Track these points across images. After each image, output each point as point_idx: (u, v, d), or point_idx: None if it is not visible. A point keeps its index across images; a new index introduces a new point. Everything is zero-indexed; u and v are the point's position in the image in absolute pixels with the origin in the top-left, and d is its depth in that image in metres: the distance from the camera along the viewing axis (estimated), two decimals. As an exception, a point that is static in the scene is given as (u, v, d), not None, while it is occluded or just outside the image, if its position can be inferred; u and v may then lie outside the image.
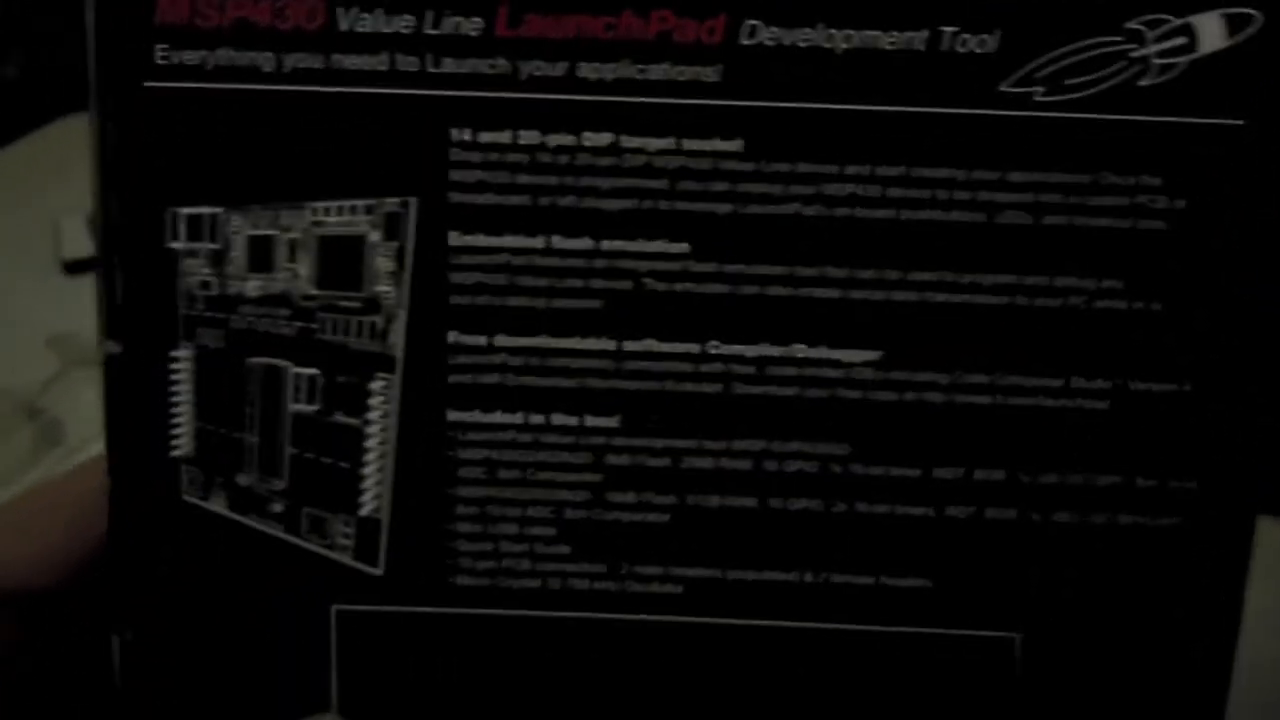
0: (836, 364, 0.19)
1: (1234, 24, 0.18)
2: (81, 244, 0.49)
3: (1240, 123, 0.18)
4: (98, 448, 0.20)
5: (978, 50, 0.18)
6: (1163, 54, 0.18)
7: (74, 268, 0.50)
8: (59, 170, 0.60)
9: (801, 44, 0.18)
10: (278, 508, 0.20)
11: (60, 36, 0.69)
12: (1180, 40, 0.18)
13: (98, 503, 0.20)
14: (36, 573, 0.20)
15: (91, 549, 0.20)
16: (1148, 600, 0.20)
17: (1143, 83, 0.18)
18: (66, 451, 0.39)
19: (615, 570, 0.20)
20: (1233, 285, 0.19)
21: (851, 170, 0.18)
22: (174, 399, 0.19)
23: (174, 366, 0.19)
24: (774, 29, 0.18)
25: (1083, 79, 0.18)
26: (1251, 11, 0.18)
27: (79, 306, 0.48)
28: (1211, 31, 0.18)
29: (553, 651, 0.20)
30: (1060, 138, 0.18)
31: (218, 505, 0.20)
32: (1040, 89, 0.18)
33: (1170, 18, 0.18)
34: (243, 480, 0.20)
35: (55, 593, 0.20)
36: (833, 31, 0.18)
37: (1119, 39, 0.18)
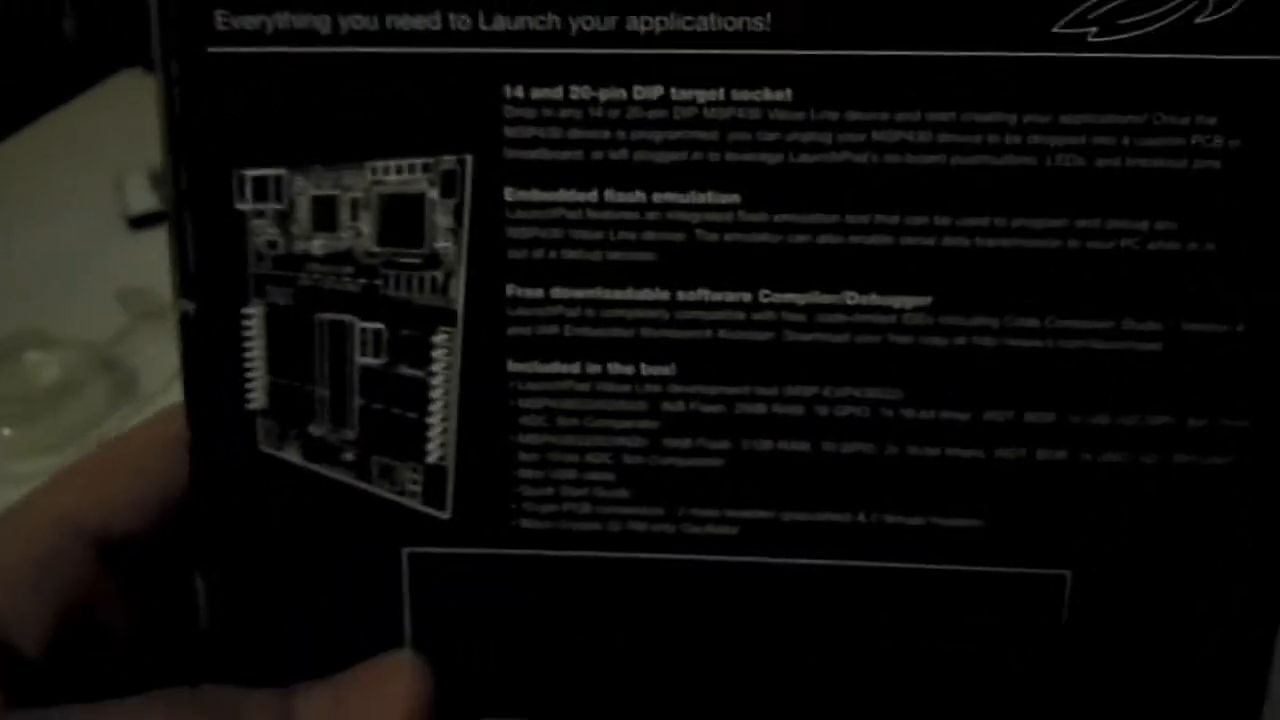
0: (887, 310, 0.19)
1: (1294, -43, 0.18)
2: (145, 198, 0.51)
3: (1300, 58, 0.18)
4: (169, 398, 0.21)
5: (1030, -8, 0.18)
6: (1220, -10, 0.18)
7: (139, 222, 0.51)
8: (119, 125, 0.62)
9: (851, -9, 0.18)
10: (349, 456, 0.21)
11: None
12: (1238, -25, 0.18)
13: (175, 451, 0.21)
14: (116, 517, 0.21)
15: (170, 495, 0.21)
16: (1198, 539, 0.20)
17: (1199, 20, 0.18)
18: (139, 402, 0.40)
19: (672, 513, 0.20)
20: (1289, 224, 0.19)
21: (901, 117, 0.19)
22: (247, 354, 0.20)
23: (245, 323, 0.20)
24: (823, -23, 0.18)
25: (1137, 18, 0.18)
26: (1313, -57, 0.18)
27: (145, 260, 0.49)
28: (1271, -36, 0.18)
29: (612, 591, 0.21)
30: (1114, 78, 0.18)
31: (292, 455, 0.21)
32: (1094, 29, 0.18)
33: (1228, -49, 0.18)
34: (315, 431, 0.21)
35: (135, 537, 0.21)
36: (882, -23, 0.18)
37: (1175, -25, 0.18)
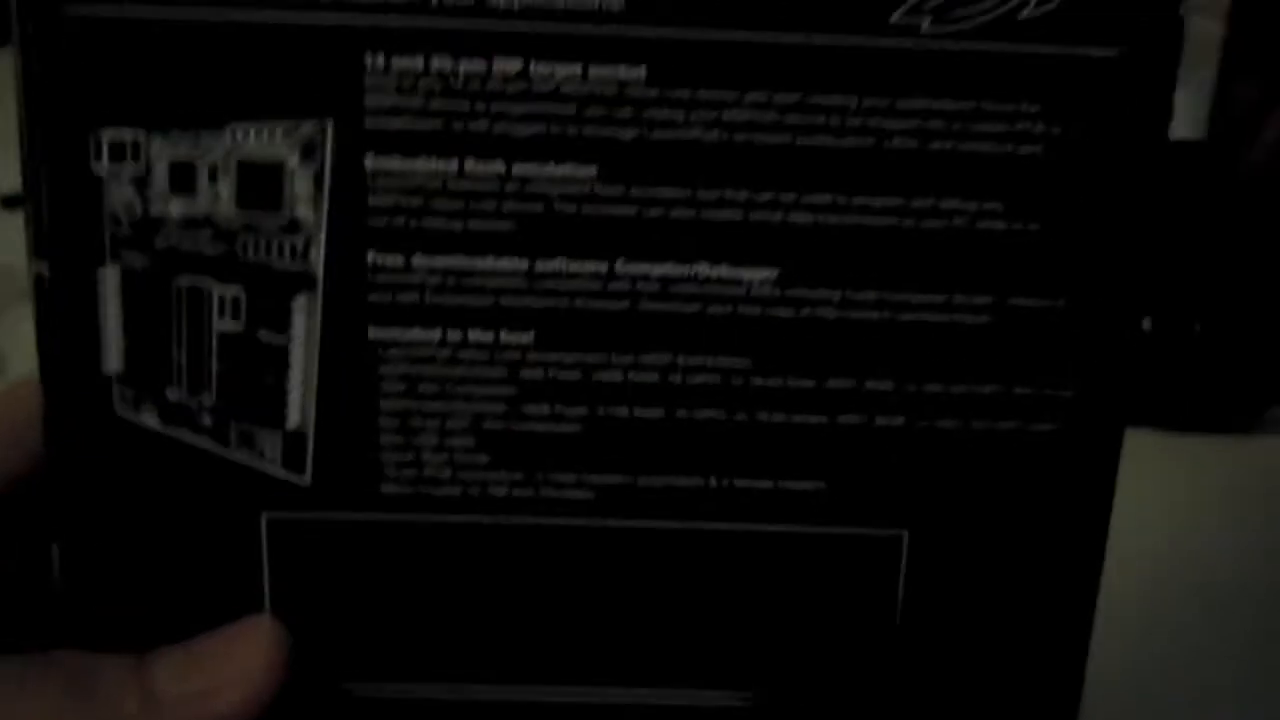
0: (737, 282, 0.20)
1: (1109, -42, 0.19)
2: (17, 175, 0.49)
3: (1114, 53, 0.20)
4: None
5: (869, -18, 0.19)
6: (1041, -13, 0.19)
7: (10, 202, 0.50)
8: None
9: (702, -26, 0.19)
10: (207, 421, 0.21)
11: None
12: (1058, -26, 0.19)
13: (32, 419, 0.21)
14: None
15: (27, 463, 0.21)
16: (1026, 500, 0.21)
17: (1024, 14, 0.19)
18: (8, 382, 0.39)
19: (531, 478, 0.21)
20: (1105, 208, 0.20)
21: (750, 97, 0.20)
22: (102, 317, 0.20)
23: (101, 285, 0.20)
24: (676, -41, 0.19)
25: (967, 11, 0.19)
26: (1125, -53, 0.19)
27: (18, 239, 0.48)
28: (1087, -35, 0.19)
29: (472, 554, 0.21)
30: (945, 67, 0.19)
31: (149, 420, 0.21)
32: (928, 20, 0.19)
33: (1049, -48, 0.19)
34: (172, 395, 0.21)
35: None
36: (731, -37, 0.19)
37: (1001, -28, 0.19)
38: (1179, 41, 0.20)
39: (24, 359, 0.43)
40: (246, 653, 0.20)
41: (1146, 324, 0.44)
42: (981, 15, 0.19)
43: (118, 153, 0.20)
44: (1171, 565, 0.37)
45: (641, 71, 0.19)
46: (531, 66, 0.19)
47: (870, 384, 0.21)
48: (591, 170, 0.20)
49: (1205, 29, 0.60)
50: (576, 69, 0.19)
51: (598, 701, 0.22)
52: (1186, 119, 0.62)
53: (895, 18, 0.19)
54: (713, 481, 0.21)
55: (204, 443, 0.21)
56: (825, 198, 0.20)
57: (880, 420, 0.21)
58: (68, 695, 0.19)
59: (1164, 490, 0.39)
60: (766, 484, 0.21)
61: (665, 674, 0.22)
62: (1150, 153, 0.20)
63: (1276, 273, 0.44)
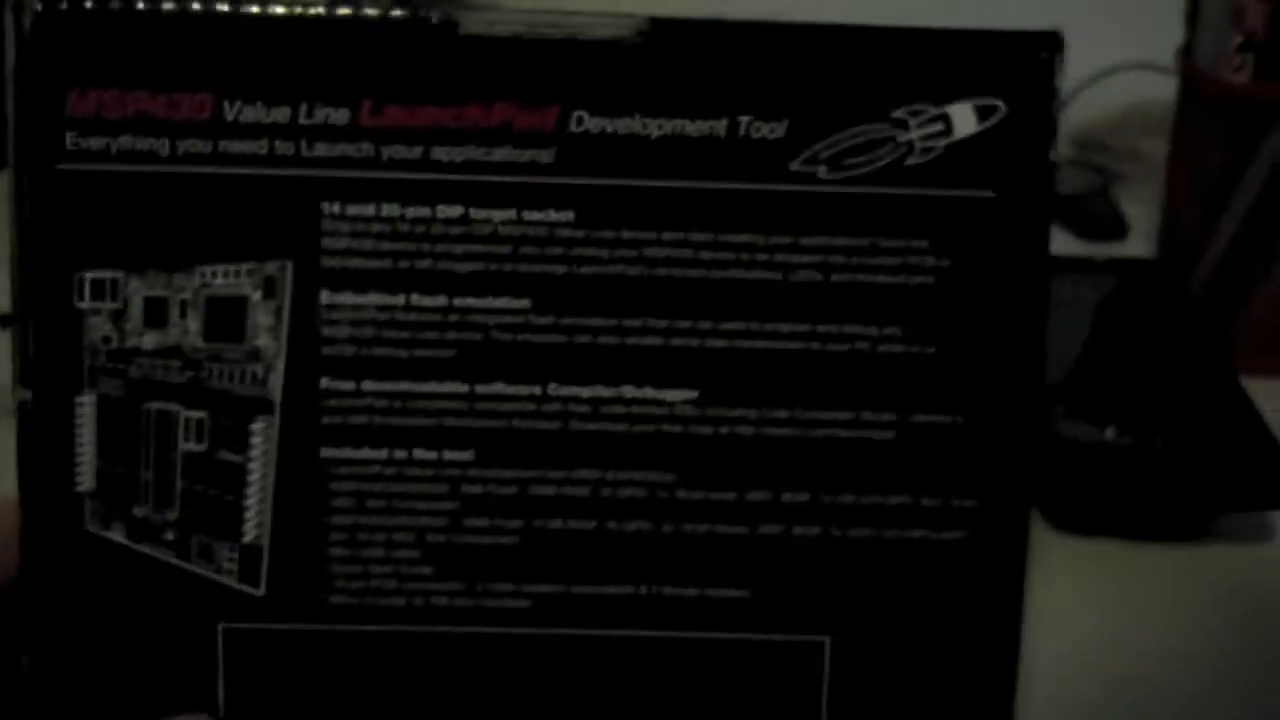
0: (660, 402, 0.22)
1: (983, 113, 0.22)
2: (5, 300, 0.52)
3: (990, 194, 0.22)
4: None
5: (769, 136, 0.22)
6: (924, 138, 0.22)
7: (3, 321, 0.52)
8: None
9: (622, 130, 0.22)
10: (170, 536, 0.23)
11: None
12: (938, 127, 0.22)
13: (8, 537, 0.23)
14: None
15: (4, 579, 0.23)
16: (940, 603, 0.23)
17: (909, 162, 0.22)
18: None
19: (471, 588, 0.23)
20: (994, 330, 0.22)
21: (667, 236, 0.22)
22: (78, 440, 0.22)
23: (79, 411, 0.22)
24: (598, 118, 0.22)
25: (858, 159, 0.22)
26: (996, 102, 0.22)
27: (4, 360, 0.50)
28: (964, 119, 0.22)
29: (417, 662, 0.23)
30: (842, 208, 0.22)
31: (117, 535, 0.23)
32: (824, 167, 0.22)
33: (929, 107, 0.22)
34: (139, 512, 0.23)
35: None
36: (647, 120, 0.22)
37: (887, 125, 0.22)
38: (1051, 182, 0.22)
39: (6, 472, 0.45)
40: None
41: (1110, 434, 0.45)
42: (872, 162, 0.22)
43: (98, 291, 0.22)
44: (1116, 662, 0.38)
45: (570, 215, 0.22)
46: (470, 211, 0.22)
47: (787, 496, 0.23)
48: (525, 302, 0.22)
49: (1160, 150, 0.63)
50: (511, 213, 0.22)
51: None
52: (1142, 234, 0.65)
53: (795, 165, 0.22)
54: (642, 589, 0.23)
55: (167, 556, 0.23)
56: (739, 325, 0.22)
57: (798, 530, 0.23)
58: None
59: (1115, 595, 0.41)
60: (693, 592, 0.23)
61: None
62: (1030, 279, 0.22)
63: (1222, 387, 0.46)
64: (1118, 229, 0.68)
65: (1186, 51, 0.53)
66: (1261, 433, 0.43)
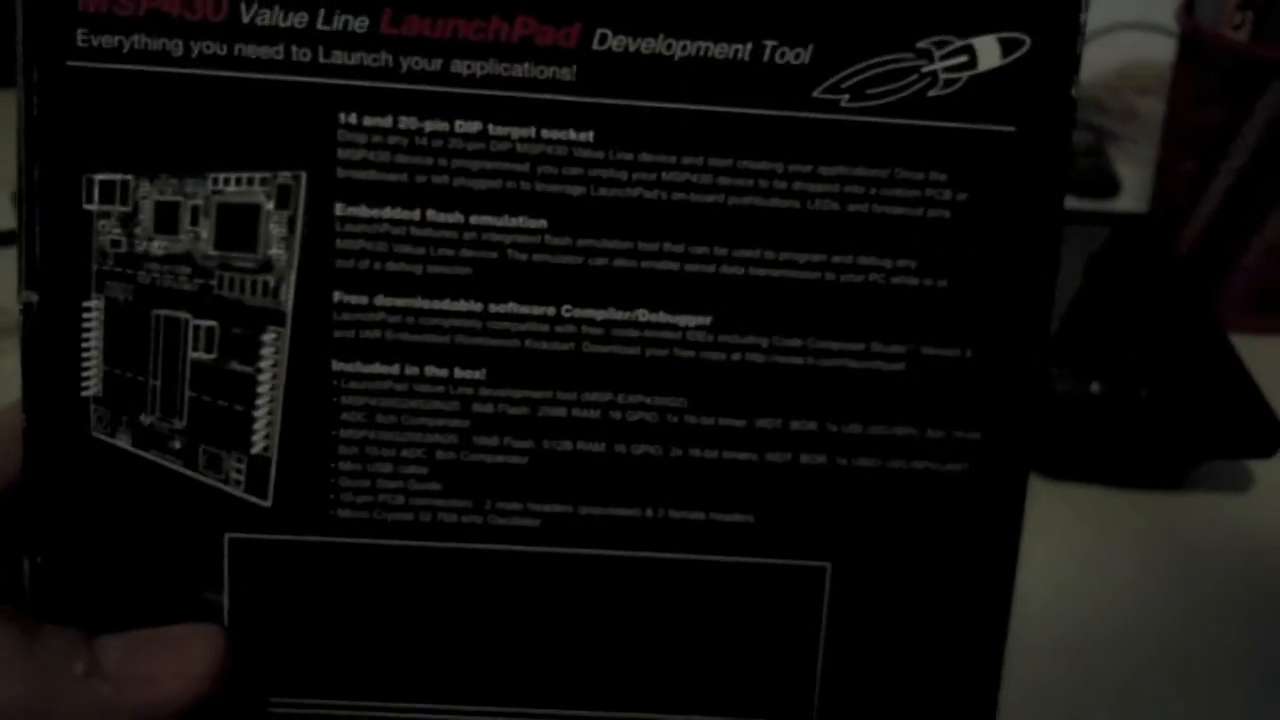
0: (673, 327, 0.23)
1: (1007, 46, 0.22)
2: (6, 218, 0.51)
3: (1011, 129, 0.22)
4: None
5: (794, 61, 0.22)
6: (948, 70, 0.22)
7: (2, 239, 0.51)
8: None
9: (645, 50, 0.22)
10: (177, 445, 0.23)
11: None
12: (962, 59, 0.22)
13: (12, 440, 0.23)
14: None
15: (4, 482, 0.23)
16: (940, 534, 0.24)
17: (931, 93, 0.22)
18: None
19: (480, 505, 0.23)
20: (1007, 266, 0.23)
21: (687, 160, 0.22)
22: (85, 345, 0.22)
23: (86, 315, 0.22)
24: (622, 36, 0.22)
25: (881, 89, 0.22)
26: (1022, 36, 0.22)
27: (6, 278, 0.49)
28: (989, 52, 0.22)
29: (423, 577, 0.23)
30: (862, 138, 0.22)
31: (123, 441, 0.23)
32: (846, 96, 0.22)
33: (954, 39, 0.22)
34: (146, 419, 0.22)
35: None
36: (671, 40, 0.22)
37: (912, 56, 0.22)
38: (1071, 119, 0.22)
39: (10, 391, 0.44)
40: (188, 653, 0.22)
41: (1095, 388, 0.46)
42: (895, 93, 0.22)
43: (108, 194, 0.22)
44: (1099, 601, 0.39)
45: (590, 135, 0.22)
46: (490, 128, 0.22)
47: (795, 424, 0.23)
48: (542, 222, 0.22)
49: (1155, 110, 0.64)
50: (530, 131, 0.22)
51: (538, 722, 0.24)
52: (1134, 193, 0.66)
53: (817, 93, 0.22)
54: (649, 512, 0.23)
55: (173, 464, 0.23)
56: (754, 252, 0.22)
57: (805, 458, 0.23)
58: (20, 644, 0.20)
59: (1099, 539, 0.42)
60: (700, 515, 0.23)
61: (601, 696, 0.24)
62: (1046, 218, 0.22)
63: (1207, 341, 0.47)
64: (1110, 187, 0.68)
65: (1188, 9, 0.53)
66: (1245, 385, 0.44)
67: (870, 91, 0.22)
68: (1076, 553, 0.41)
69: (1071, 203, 0.69)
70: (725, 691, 0.24)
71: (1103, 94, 0.76)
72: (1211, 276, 0.54)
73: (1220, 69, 0.51)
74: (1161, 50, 0.59)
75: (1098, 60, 0.74)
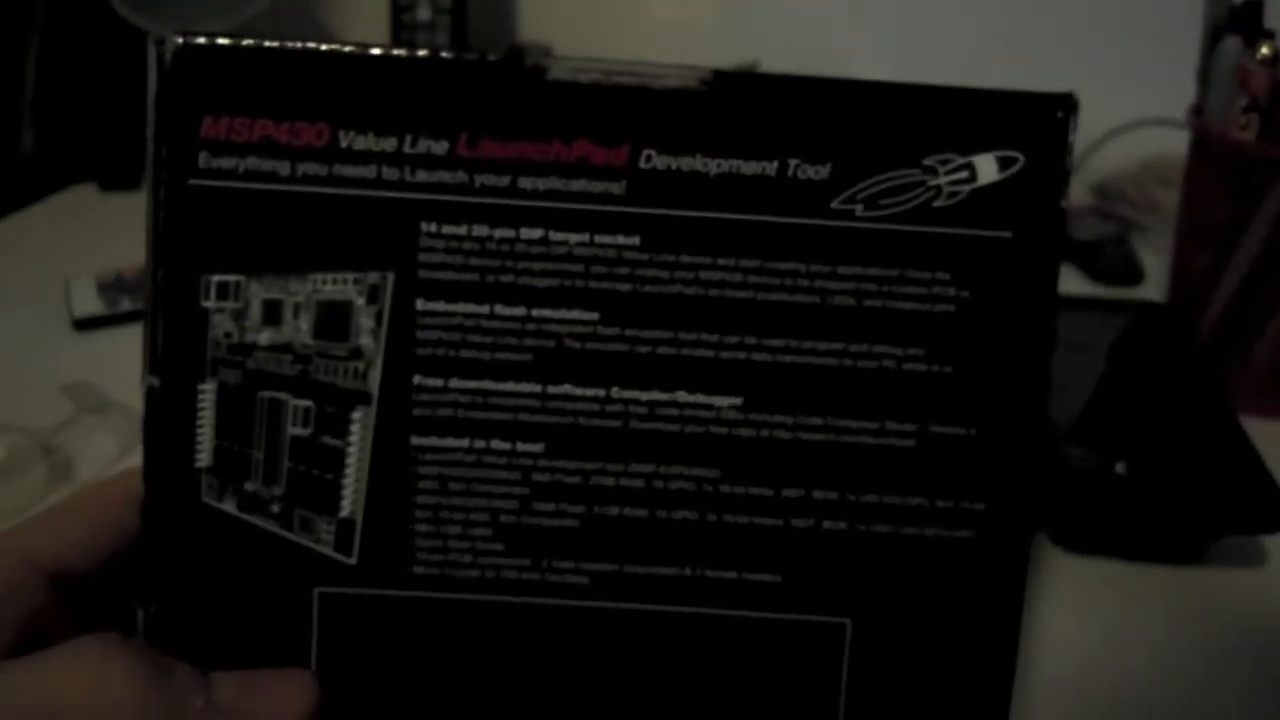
0: (709, 407, 0.25)
1: (1004, 163, 0.25)
2: (90, 303, 0.55)
3: (1009, 235, 0.25)
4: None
5: (814, 177, 0.25)
6: (951, 184, 0.25)
7: (83, 324, 0.56)
8: (69, 235, 0.67)
9: (685, 168, 0.25)
10: (276, 509, 0.26)
11: (70, 113, 0.76)
12: (964, 174, 0.25)
13: (122, 506, 0.26)
14: (68, 558, 0.25)
15: (115, 543, 0.26)
16: (949, 594, 0.26)
17: (936, 204, 0.25)
18: (76, 486, 0.44)
19: (537, 564, 0.26)
20: (1006, 354, 0.25)
21: (721, 261, 0.25)
22: (199, 422, 0.25)
23: (200, 397, 0.25)
24: (665, 156, 0.25)
25: (892, 200, 0.25)
26: (1017, 154, 0.25)
27: (89, 359, 0.54)
28: (987, 168, 0.25)
29: (488, 628, 0.26)
30: (876, 242, 0.25)
31: (229, 506, 0.26)
32: (861, 206, 0.25)
33: (957, 157, 0.25)
34: (249, 487, 0.26)
35: (83, 575, 0.26)
36: (707, 159, 0.25)
37: (919, 171, 0.25)
38: (1063, 226, 0.25)
39: (90, 465, 0.48)
40: (287, 692, 0.24)
41: (1121, 468, 0.48)
42: (903, 204, 0.25)
43: (223, 292, 0.25)
44: (1114, 672, 0.40)
45: (636, 239, 0.25)
46: (550, 234, 0.25)
47: (818, 494, 0.26)
48: (595, 315, 0.25)
49: (1176, 202, 0.66)
50: (585, 236, 0.25)
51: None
52: (1157, 281, 0.68)
53: (835, 203, 0.25)
54: (687, 571, 0.26)
55: (272, 526, 0.26)
56: (780, 341, 0.25)
57: (827, 524, 0.26)
58: (155, 676, 0.23)
59: (1115, 611, 0.43)
60: (732, 575, 0.26)
61: None
62: (1040, 312, 0.25)
63: (1221, 423, 0.49)
64: (1134, 275, 0.70)
65: (1198, 110, 0.56)
66: (1256, 465, 0.45)
67: (882, 202, 0.25)
68: (1094, 623, 0.43)
69: (1097, 290, 0.71)
70: (757, 738, 0.26)
71: (1127, 186, 0.79)
72: (1227, 363, 0.56)
73: (1229, 167, 0.54)
74: (1182, 145, 0.61)
75: (1122, 154, 0.77)
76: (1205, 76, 0.55)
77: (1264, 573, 0.46)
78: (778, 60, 0.92)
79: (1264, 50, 0.52)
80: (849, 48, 0.89)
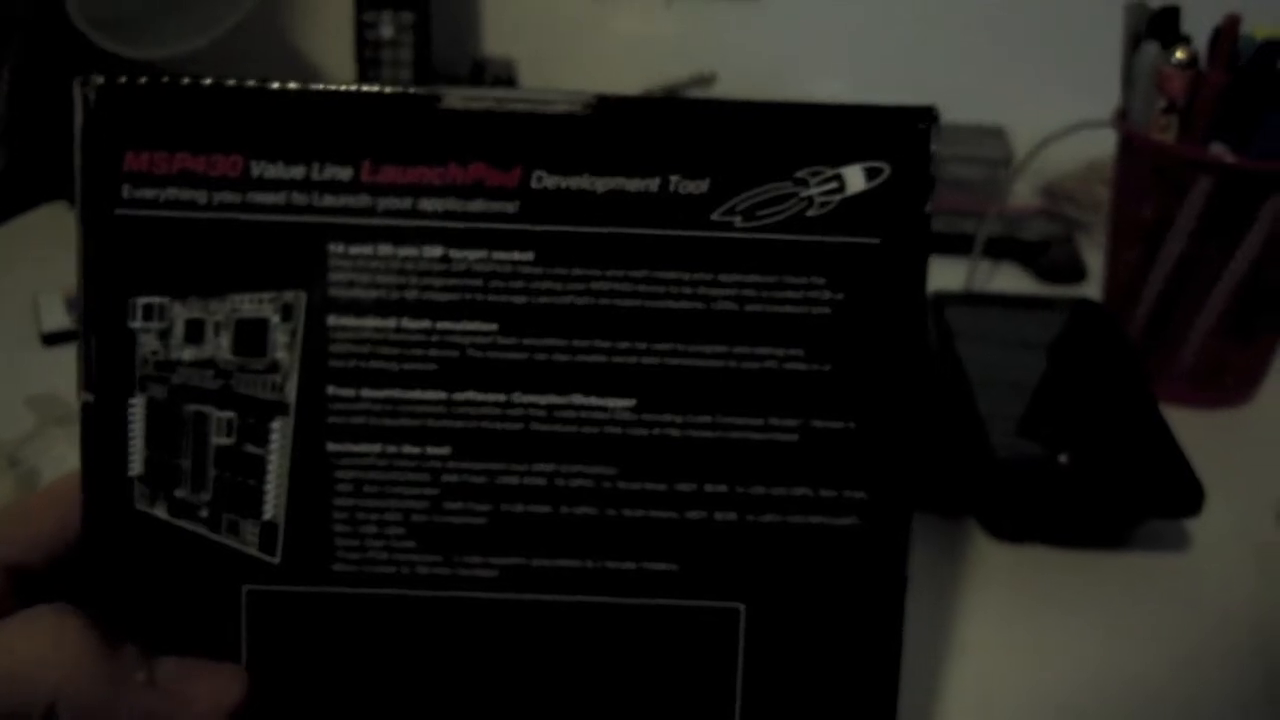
0: (603, 409, 0.27)
1: (870, 173, 0.27)
2: (58, 318, 0.57)
3: (877, 241, 0.27)
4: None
5: (694, 191, 0.26)
6: (822, 194, 0.27)
7: (51, 339, 0.57)
8: (38, 253, 0.68)
9: (573, 187, 0.26)
10: (204, 514, 0.27)
11: (41, 134, 0.78)
12: (833, 185, 0.27)
13: (71, 508, 0.27)
14: (29, 551, 0.27)
15: (72, 538, 0.27)
16: (836, 577, 0.27)
17: (809, 214, 0.27)
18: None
19: (448, 559, 0.27)
20: (880, 351, 0.27)
21: (610, 272, 0.27)
22: (130, 434, 0.27)
23: (130, 411, 0.27)
24: (554, 176, 0.26)
25: (768, 211, 0.27)
26: (882, 165, 0.27)
27: (56, 372, 0.55)
28: (855, 178, 0.27)
29: (405, 620, 0.27)
30: (754, 251, 0.27)
31: (160, 512, 0.27)
32: (739, 218, 0.27)
33: (826, 169, 0.26)
34: (179, 494, 0.27)
35: (38, 570, 0.27)
36: (594, 178, 0.26)
37: (791, 184, 0.26)
38: (927, 231, 0.27)
39: (54, 475, 0.50)
40: (222, 680, 0.26)
41: (1064, 459, 0.50)
42: (778, 214, 0.27)
43: (148, 313, 0.27)
44: (1047, 655, 0.42)
45: (531, 255, 0.27)
46: (450, 252, 0.27)
47: (709, 487, 0.27)
48: (494, 326, 0.27)
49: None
50: (483, 253, 0.27)
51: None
52: (1100, 279, 0.69)
53: (715, 215, 0.27)
54: (590, 563, 0.27)
55: (200, 530, 0.27)
56: (669, 345, 0.27)
57: (718, 515, 0.27)
58: (103, 648, 0.25)
59: (1045, 596, 0.45)
60: (631, 565, 0.27)
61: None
62: (910, 311, 0.27)
63: (1144, 415, 0.50)
64: (1077, 273, 0.72)
65: (1122, 114, 0.58)
66: (1176, 453, 0.47)
67: (759, 213, 0.27)
68: (1025, 608, 0.44)
69: (1042, 288, 0.73)
70: (658, 718, 0.28)
71: (1073, 187, 0.81)
72: (1156, 356, 0.57)
73: (1153, 167, 0.55)
74: (1118, 147, 0.63)
75: (1068, 155, 0.78)
76: (1128, 81, 0.57)
77: (1185, 554, 0.47)
78: (736, 73, 0.95)
79: (1179, 54, 0.53)
80: (806, 61, 0.91)
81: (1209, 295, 0.55)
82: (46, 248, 0.69)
